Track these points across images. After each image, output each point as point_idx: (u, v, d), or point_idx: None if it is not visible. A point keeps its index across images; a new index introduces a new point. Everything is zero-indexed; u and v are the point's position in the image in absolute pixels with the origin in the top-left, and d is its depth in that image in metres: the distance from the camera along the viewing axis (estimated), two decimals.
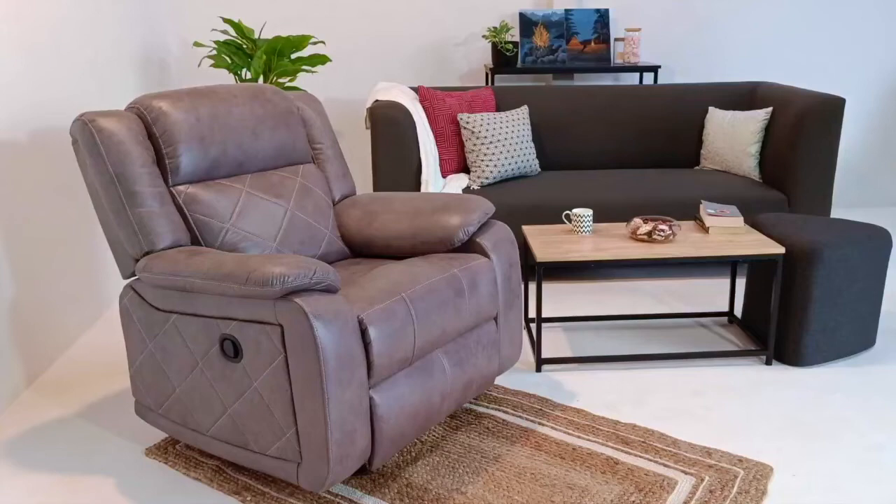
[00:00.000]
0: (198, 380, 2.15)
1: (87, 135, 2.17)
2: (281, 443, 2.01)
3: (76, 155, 2.24)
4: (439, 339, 2.22)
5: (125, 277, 2.30)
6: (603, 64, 4.70)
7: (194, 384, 2.17)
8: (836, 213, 4.94)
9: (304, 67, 4.09)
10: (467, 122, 3.90)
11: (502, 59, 4.54)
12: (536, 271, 2.77)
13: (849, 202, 5.14)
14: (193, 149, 2.31)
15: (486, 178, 3.87)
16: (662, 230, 2.83)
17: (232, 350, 2.03)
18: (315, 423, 1.92)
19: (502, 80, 4.86)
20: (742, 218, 2.98)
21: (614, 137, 4.25)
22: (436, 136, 3.95)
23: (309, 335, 1.86)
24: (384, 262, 2.54)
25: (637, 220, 2.91)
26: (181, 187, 2.30)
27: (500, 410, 2.58)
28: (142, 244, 2.19)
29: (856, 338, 2.90)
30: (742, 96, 4.23)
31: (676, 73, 4.90)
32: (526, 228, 3.07)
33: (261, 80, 4.18)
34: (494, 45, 4.52)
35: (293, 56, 4.21)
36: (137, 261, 2.22)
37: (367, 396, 2.01)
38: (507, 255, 2.51)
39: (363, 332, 1.99)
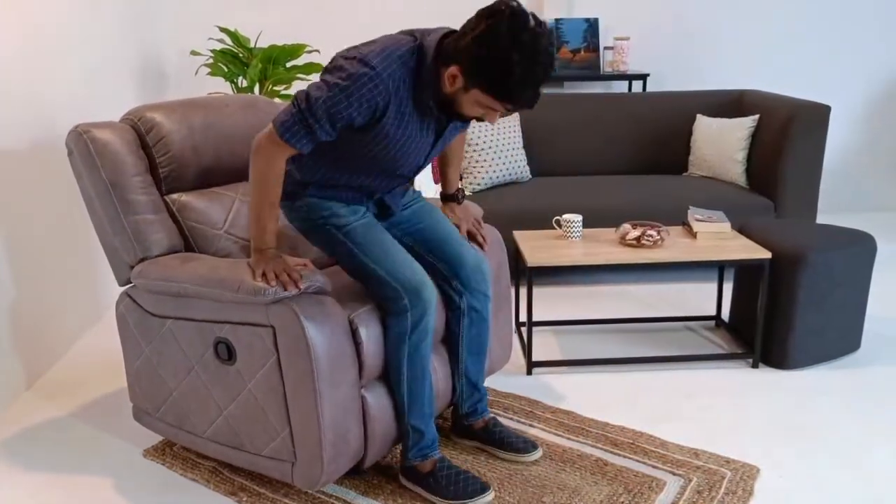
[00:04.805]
0: (193, 383, 2.18)
1: (83, 145, 2.19)
2: (275, 443, 2.04)
3: (72, 165, 2.25)
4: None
5: (121, 285, 2.32)
6: (592, 72, 4.75)
7: (190, 387, 2.19)
8: (821, 218, 4.96)
9: (298, 75, 4.13)
10: None
11: None
12: (527, 275, 2.80)
13: (834, 207, 5.17)
14: (187, 158, 2.33)
15: (478, 184, 3.91)
16: (651, 235, 2.85)
17: (226, 352, 2.06)
18: (308, 423, 1.95)
19: None
20: (729, 223, 3.01)
21: (604, 144, 4.28)
22: None
23: (301, 336, 1.89)
24: None
25: (626, 226, 2.93)
26: (174, 195, 2.33)
27: (491, 412, 2.60)
28: (137, 251, 2.22)
29: (841, 341, 2.94)
30: (729, 104, 4.27)
31: (665, 80, 4.94)
32: (517, 233, 3.09)
33: (256, 87, 4.22)
34: None
35: (288, 64, 4.25)
36: (133, 267, 2.24)
37: (359, 396, 2.04)
38: (497, 257, 2.54)
39: (354, 333, 2.02)
